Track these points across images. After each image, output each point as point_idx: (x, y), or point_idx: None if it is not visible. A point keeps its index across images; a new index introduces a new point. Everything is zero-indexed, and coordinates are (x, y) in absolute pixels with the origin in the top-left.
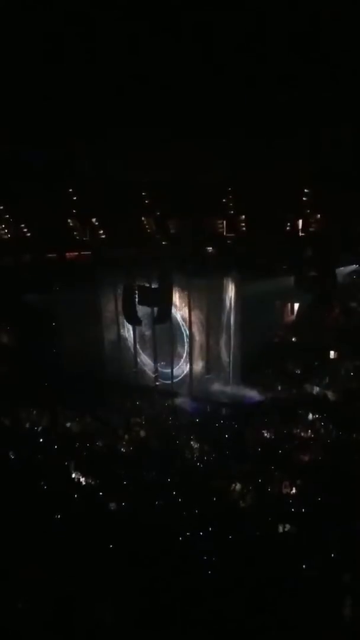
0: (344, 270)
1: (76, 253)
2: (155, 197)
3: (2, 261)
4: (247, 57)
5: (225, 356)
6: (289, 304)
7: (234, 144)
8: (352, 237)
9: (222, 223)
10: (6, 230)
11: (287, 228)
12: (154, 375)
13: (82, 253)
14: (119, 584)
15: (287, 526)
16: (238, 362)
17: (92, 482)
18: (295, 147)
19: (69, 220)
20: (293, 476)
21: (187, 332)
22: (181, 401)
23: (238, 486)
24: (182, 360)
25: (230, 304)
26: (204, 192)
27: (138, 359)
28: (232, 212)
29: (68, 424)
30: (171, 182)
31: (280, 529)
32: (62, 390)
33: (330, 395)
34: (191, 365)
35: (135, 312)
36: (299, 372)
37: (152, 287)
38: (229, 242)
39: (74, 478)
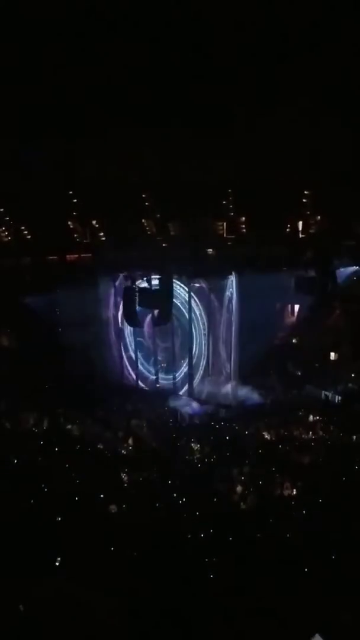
0: (344, 271)
1: (77, 255)
2: (155, 199)
3: (3, 263)
4: (247, 58)
5: (226, 358)
6: (290, 306)
7: (234, 145)
8: (353, 238)
9: (222, 225)
10: (7, 233)
11: (287, 229)
12: (154, 377)
13: (83, 255)
14: (120, 586)
15: (288, 527)
16: (239, 363)
17: (93, 485)
18: (295, 148)
19: (69, 223)
20: (294, 478)
21: (188, 333)
22: (182, 403)
23: (239, 488)
24: (183, 362)
25: (231, 305)
26: (204, 193)
27: (139, 361)
28: (232, 213)
29: (69, 426)
30: (171, 183)
31: (281, 530)
32: (63, 393)
33: (330, 396)
34: (192, 366)
35: (136, 313)
36: (299, 373)
37: (153, 288)
38: (229, 243)
39: (74, 480)
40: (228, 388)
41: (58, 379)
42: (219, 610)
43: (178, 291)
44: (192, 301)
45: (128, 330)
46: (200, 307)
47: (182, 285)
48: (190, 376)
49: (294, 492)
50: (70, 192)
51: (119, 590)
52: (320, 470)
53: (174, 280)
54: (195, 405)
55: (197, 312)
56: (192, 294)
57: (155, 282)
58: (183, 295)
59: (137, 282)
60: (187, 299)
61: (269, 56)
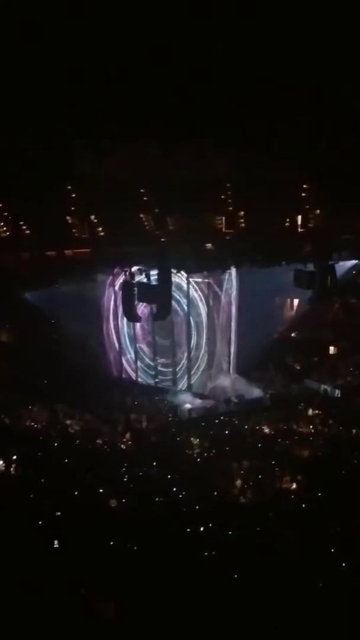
0: (343, 265)
1: (75, 250)
2: (154, 193)
3: (2, 259)
4: (245, 53)
5: (225, 352)
6: (289, 300)
7: (233, 140)
8: (352, 232)
9: (221, 219)
10: (5, 228)
11: (287, 224)
12: (153, 372)
13: (81, 250)
14: (119, 581)
15: (288, 521)
16: (238, 358)
17: (92, 479)
18: (294, 143)
19: (67, 218)
20: (293, 472)
21: (187, 328)
22: (181, 397)
23: (238, 482)
24: (182, 356)
25: (230, 300)
26: (203, 188)
27: (138, 356)
28: (231, 208)
29: (68, 422)
30: (170, 178)
31: (281, 524)
32: (61, 388)
33: (330, 390)
34: (191, 361)
35: (135, 308)
36: (298, 367)
37: (152, 283)
38: (228, 238)
39: (74, 475)
40: (227, 382)
41: (57, 374)
42: (218, 604)
43: (177, 285)
44: (192, 295)
45: (127, 324)
46: (200, 302)
47: (182, 279)
48: (189, 370)
49: (294, 486)
50: (69, 187)
51: (119, 584)
52: (319, 464)
53: (173, 275)
54: (194, 399)
55: (197, 307)
56: (191, 288)
57: (154, 276)
58: (182, 289)
59: (135, 277)
60: (186, 293)
61: (267, 51)
